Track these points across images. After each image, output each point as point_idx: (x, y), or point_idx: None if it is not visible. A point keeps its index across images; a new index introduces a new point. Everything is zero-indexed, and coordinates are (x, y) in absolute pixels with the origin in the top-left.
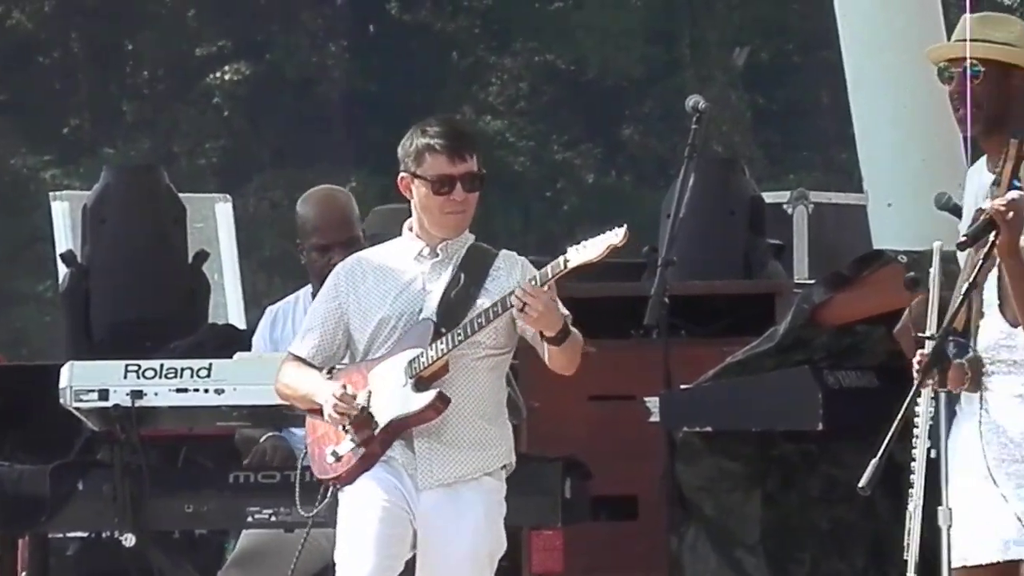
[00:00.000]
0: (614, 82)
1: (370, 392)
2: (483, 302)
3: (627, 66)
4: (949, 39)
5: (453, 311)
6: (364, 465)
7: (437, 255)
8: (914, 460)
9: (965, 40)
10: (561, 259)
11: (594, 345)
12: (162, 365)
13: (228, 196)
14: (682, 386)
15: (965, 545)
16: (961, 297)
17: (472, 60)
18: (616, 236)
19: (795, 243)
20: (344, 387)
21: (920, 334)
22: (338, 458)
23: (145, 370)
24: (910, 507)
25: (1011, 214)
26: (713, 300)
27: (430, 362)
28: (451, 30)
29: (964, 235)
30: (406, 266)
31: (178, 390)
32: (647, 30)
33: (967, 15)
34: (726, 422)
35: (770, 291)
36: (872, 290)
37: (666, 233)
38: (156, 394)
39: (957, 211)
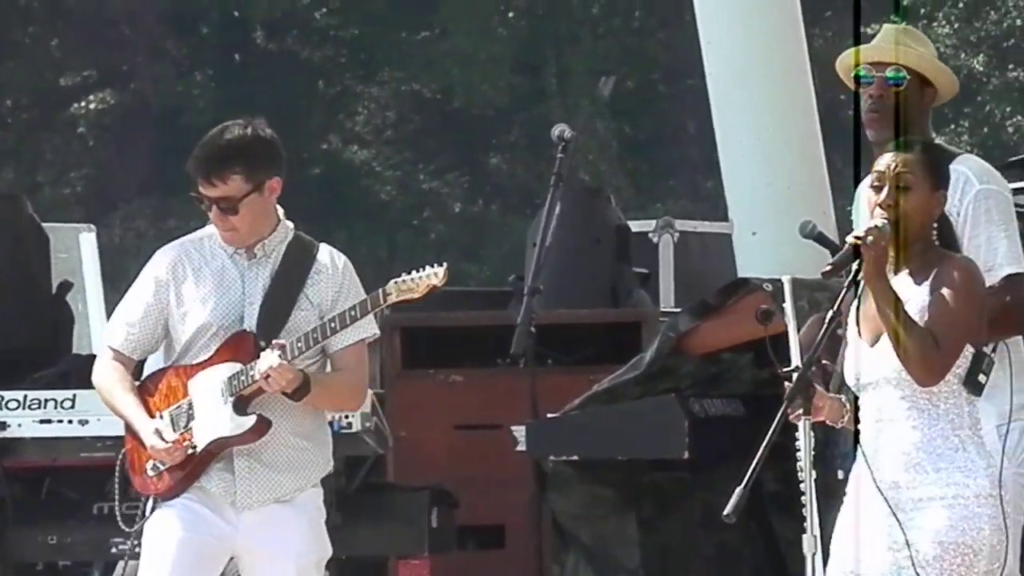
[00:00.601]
0: (480, 111)
1: (191, 403)
2: (304, 315)
3: (493, 95)
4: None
5: (273, 322)
6: (186, 483)
7: (255, 255)
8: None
9: (896, 45)
10: (380, 293)
11: (460, 374)
12: (25, 396)
13: (92, 226)
14: (549, 415)
15: (856, 559)
16: (826, 326)
17: (339, 89)
18: (437, 276)
19: (661, 272)
20: (167, 432)
21: (784, 369)
22: (159, 473)
23: (8, 401)
24: (805, 535)
25: (870, 239)
26: (579, 329)
27: (250, 382)
28: (317, 59)
29: (829, 263)
30: (224, 266)
31: (42, 421)
32: (513, 59)
33: (888, 25)
34: (593, 451)
35: (636, 320)
36: (737, 318)
37: (532, 262)
38: (20, 425)
39: (822, 239)
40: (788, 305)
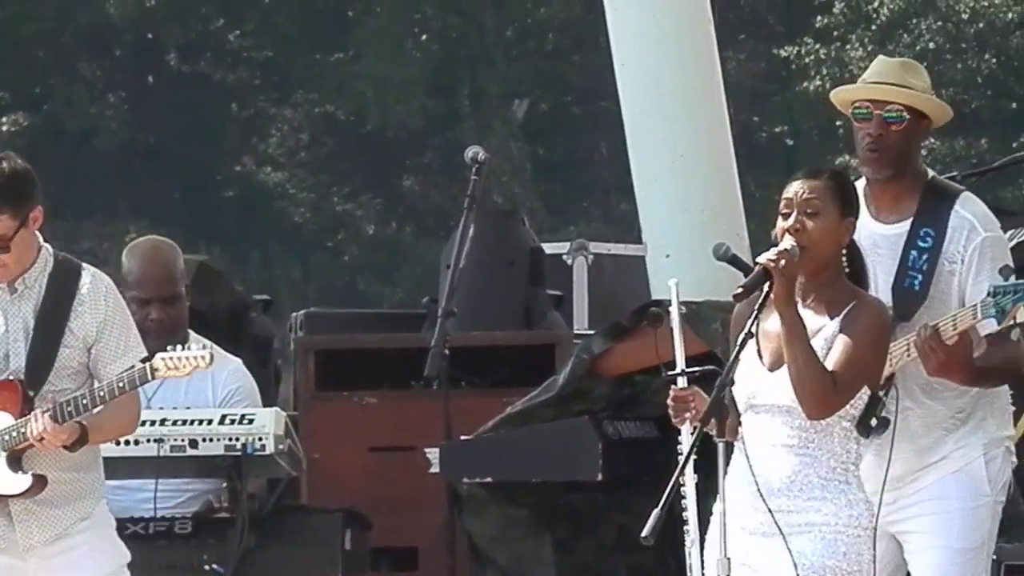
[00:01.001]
0: (394, 133)
1: None
2: (70, 352)
3: (407, 117)
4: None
5: (40, 364)
6: None
7: (15, 289)
8: (685, 506)
9: (890, 84)
10: (148, 368)
11: (374, 396)
12: None
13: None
14: (462, 437)
15: None
16: (737, 348)
17: (252, 111)
18: (204, 360)
19: (575, 294)
20: None
21: (670, 372)
22: None
23: None
24: (687, 550)
25: (783, 262)
26: (493, 351)
27: (23, 440)
28: (231, 81)
29: (740, 286)
30: None
31: None
32: (427, 82)
33: (884, 59)
34: (506, 473)
35: (550, 342)
36: (651, 340)
37: (446, 284)
38: None
39: (735, 261)
40: (674, 311)
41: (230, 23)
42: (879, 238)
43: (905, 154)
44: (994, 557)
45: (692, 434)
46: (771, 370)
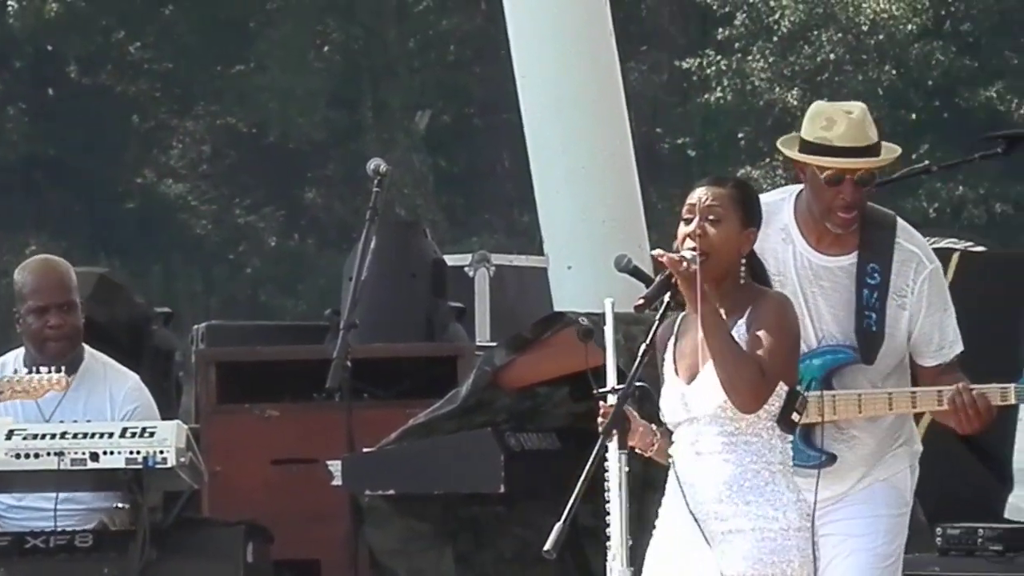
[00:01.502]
0: (296, 145)
1: None
2: None
3: (309, 129)
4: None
5: None
6: None
7: None
8: (608, 520)
9: (864, 154)
10: None
11: (276, 408)
12: None
13: None
14: (364, 449)
15: None
16: (640, 358)
17: (153, 123)
18: (59, 384)
19: (477, 306)
20: None
21: (600, 389)
22: None
23: None
24: (608, 565)
25: (683, 267)
26: (395, 363)
27: None
28: (132, 93)
29: (641, 297)
30: None
31: None
32: (329, 93)
33: (848, 117)
34: (409, 485)
35: (452, 354)
36: (553, 352)
37: (348, 296)
38: None
39: (637, 273)
40: (608, 329)
41: (131, 35)
42: (821, 270)
43: (864, 206)
44: None
45: (624, 451)
46: (688, 383)
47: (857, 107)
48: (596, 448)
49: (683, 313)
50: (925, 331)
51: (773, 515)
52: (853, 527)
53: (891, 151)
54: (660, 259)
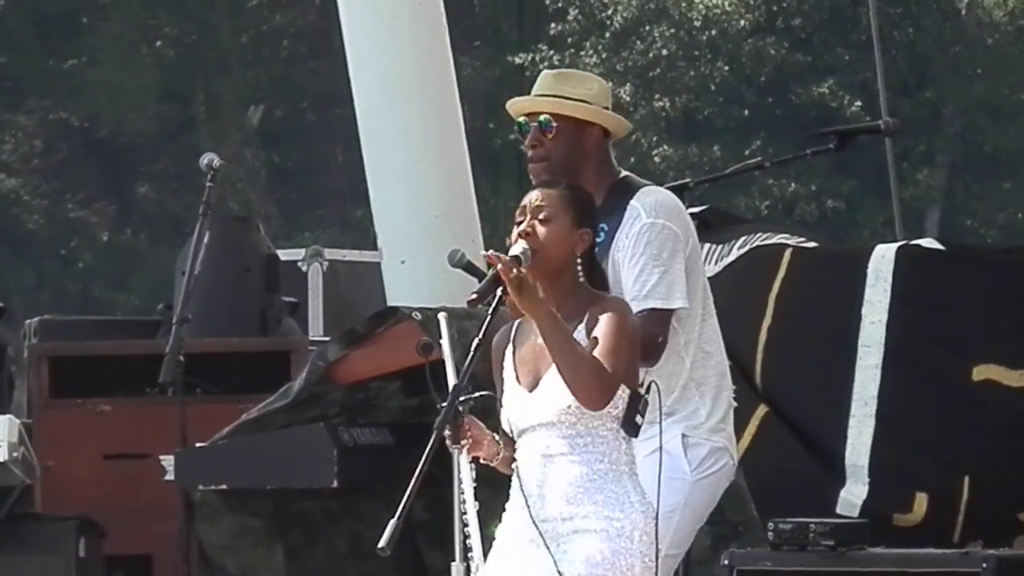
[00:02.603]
0: (128, 140)
1: None
2: None
3: (141, 124)
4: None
5: None
6: None
7: None
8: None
9: (541, 96)
10: None
11: (108, 403)
12: None
13: None
14: (197, 444)
15: None
16: (472, 353)
17: None
18: None
19: (310, 300)
20: None
21: (442, 404)
22: None
23: None
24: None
25: (513, 270)
26: (228, 357)
27: None
28: None
29: (473, 291)
30: None
31: None
32: (161, 88)
33: (546, 71)
34: (242, 480)
35: (285, 348)
36: (386, 347)
37: (181, 291)
38: None
39: (470, 268)
40: (445, 337)
41: None
42: None
43: (568, 162)
44: (725, 562)
45: (470, 461)
46: (530, 390)
47: (573, 72)
48: (430, 443)
49: (519, 320)
50: (623, 278)
51: (619, 516)
52: None
53: (577, 107)
54: (491, 260)
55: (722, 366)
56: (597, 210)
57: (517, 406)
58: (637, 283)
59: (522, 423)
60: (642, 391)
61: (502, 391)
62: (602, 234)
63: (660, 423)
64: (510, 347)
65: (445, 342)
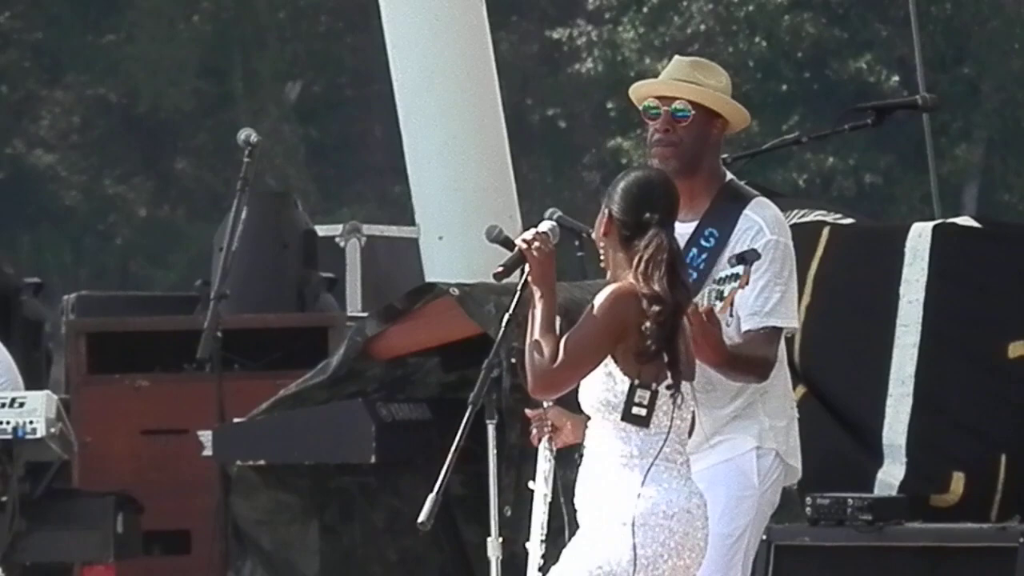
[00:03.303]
0: (166, 115)
1: None
2: None
3: (179, 99)
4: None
5: None
6: None
7: None
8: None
9: (678, 80)
10: None
11: (147, 379)
12: None
13: None
14: (235, 420)
15: None
16: (503, 328)
17: (23, 93)
18: None
19: (348, 276)
20: None
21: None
22: None
23: None
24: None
25: (537, 244)
26: (266, 333)
27: None
28: (1, 63)
29: (500, 265)
30: None
31: None
32: (199, 63)
33: (679, 58)
34: (279, 455)
35: (323, 324)
36: (424, 322)
37: (219, 267)
38: None
39: (508, 243)
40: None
41: (0, 5)
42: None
43: (695, 151)
44: (764, 537)
45: (548, 451)
46: None
47: (705, 62)
48: (466, 418)
49: None
50: (745, 293)
51: (613, 508)
52: None
53: (719, 97)
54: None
55: (787, 375)
56: (709, 209)
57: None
58: (759, 299)
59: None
60: (655, 385)
61: (503, 340)
62: (712, 240)
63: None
64: (516, 301)
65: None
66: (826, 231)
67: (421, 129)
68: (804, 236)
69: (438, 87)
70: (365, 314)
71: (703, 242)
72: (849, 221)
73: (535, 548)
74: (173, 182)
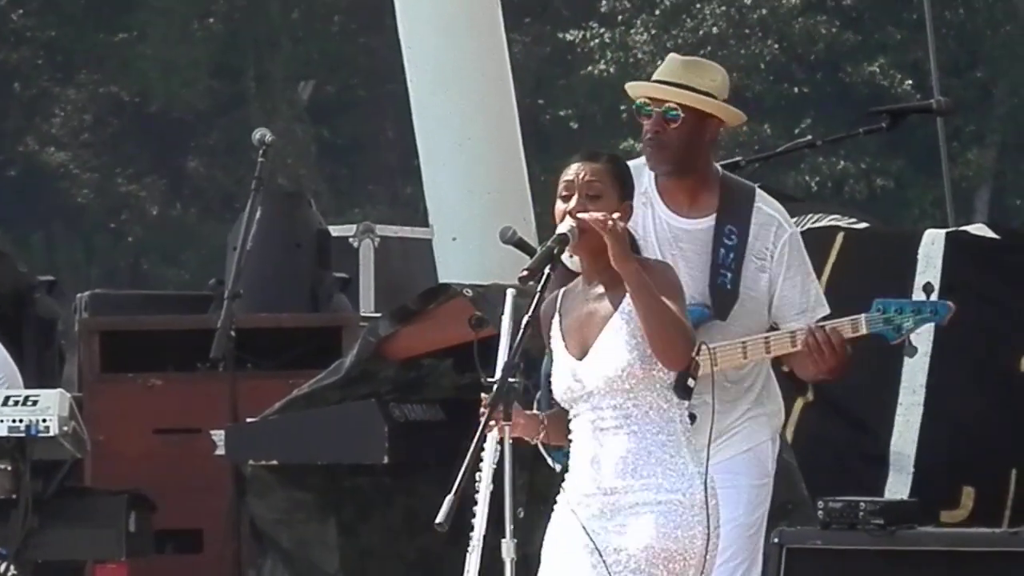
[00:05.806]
0: (179, 114)
1: None
2: None
3: (192, 99)
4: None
5: None
6: None
7: None
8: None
9: (668, 83)
10: None
11: (160, 378)
12: None
13: None
14: (248, 419)
15: None
16: (522, 331)
17: (35, 91)
18: None
19: (361, 276)
20: None
21: (489, 380)
22: None
23: None
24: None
25: (618, 216)
26: (279, 333)
27: None
28: (13, 61)
29: (525, 268)
30: None
31: None
32: (212, 63)
33: (673, 56)
34: (292, 455)
35: (336, 324)
36: (438, 323)
37: (232, 266)
38: None
39: (522, 245)
40: (507, 313)
41: (12, 2)
42: (681, 233)
43: (686, 152)
44: (775, 540)
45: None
46: (580, 359)
47: (699, 60)
48: (483, 419)
49: (563, 289)
50: (786, 294)
51: (679, 488)
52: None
53: (707, 102)
54: (584, 222)
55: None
56: (721, 206)
57: (567, 375)
58: (804, 295)
59: (573, 392)
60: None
61: (520, 342)
62: (733, 237)
63: (712, 404)
64: (556, 317)
65: (507, 317)
66: (840, 236)
67: (434, 130)
68: (818, 241)
69: (452, 88)
70: (378, 314)
71: (727, 240)
72: (863, 225)
73: (477, 546)
74: (185, 181)
